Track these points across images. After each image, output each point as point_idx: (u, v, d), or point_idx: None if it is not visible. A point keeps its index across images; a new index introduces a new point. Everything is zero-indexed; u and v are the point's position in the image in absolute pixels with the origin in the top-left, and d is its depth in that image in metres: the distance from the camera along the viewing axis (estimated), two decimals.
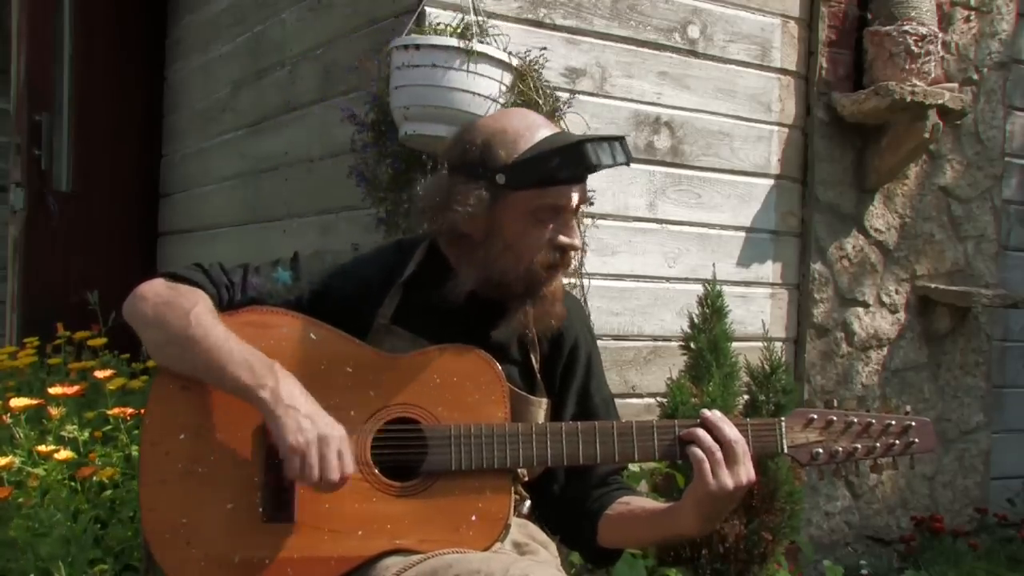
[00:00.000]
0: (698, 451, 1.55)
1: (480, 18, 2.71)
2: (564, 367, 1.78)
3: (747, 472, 1.56)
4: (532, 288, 1.65)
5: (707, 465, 1.54)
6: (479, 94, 2.55)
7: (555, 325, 1.70)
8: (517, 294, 1.66)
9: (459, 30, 2.58)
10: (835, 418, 1.62)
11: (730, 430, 1.56)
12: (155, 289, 1.63)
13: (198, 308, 1.59)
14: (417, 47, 2.56)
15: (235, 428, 1.59)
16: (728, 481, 1.54)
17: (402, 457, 1.59)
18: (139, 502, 1.61)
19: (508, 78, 2.64)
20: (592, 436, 1.60)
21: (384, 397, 1.61)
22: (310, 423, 1.50)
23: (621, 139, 1.65)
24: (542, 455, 1.59)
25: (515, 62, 2.65)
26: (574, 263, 2.02)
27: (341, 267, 1.75)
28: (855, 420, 1.62)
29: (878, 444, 1.61)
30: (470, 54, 2.52)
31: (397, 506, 1.57)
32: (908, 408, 1.66)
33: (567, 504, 1.74)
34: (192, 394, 1.60)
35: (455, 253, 1.70)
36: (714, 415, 1.59)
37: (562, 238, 1.64)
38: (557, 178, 1.61)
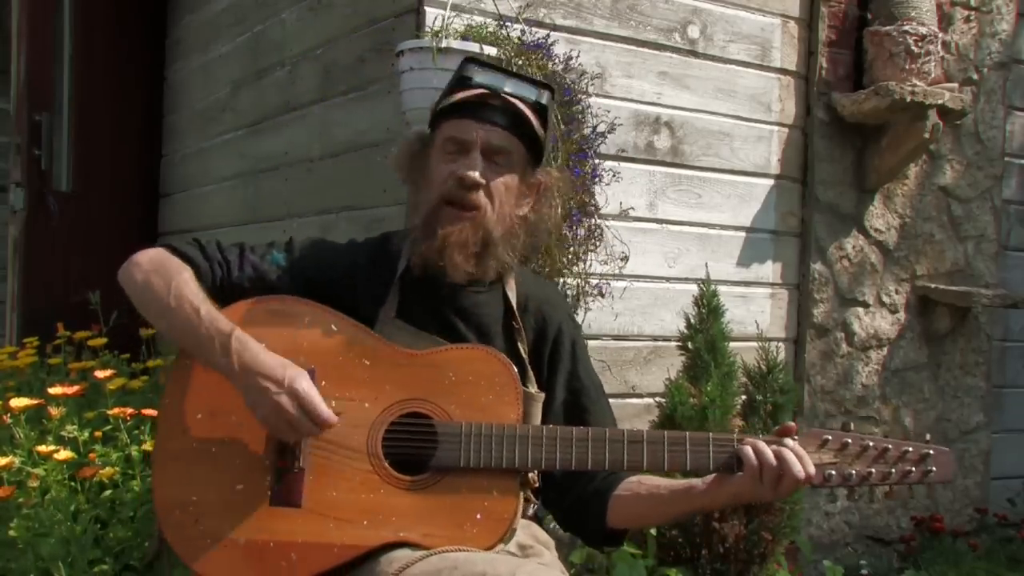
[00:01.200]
0: (762, 461, 1.56)
1: (487, 19, 2.71)
2: (551, 354, 1.80)
3: (784, 493, 1.59)
4: (430, 224, 1.71)
5: (765, 477, 1.56)
6: None
7: (453, 275, 1.71)
8: (422, 229, 1.72)
9: (437, 32, 2.58)
10: (850, 441, 1.59)
11: (798, 469, 1.56)
12: (149, 256, 1.71)
13: (180, 278, 1.66)
14: (401, 53, 2.61)
15: (248, 411, 1.61)
16: (770, 496, 1.58)
17: (413, 451, 1.60)
18: (152, 478, 1.64)
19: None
20: (603, 442, 1.60)
21: (399, 392, 1.63)
22: (262, 396, 1.56)
23: (543, 85, 1.75)
24: (551, 458, 1.60)
25: (492, 51, 2.63)
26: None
27: (332, 255, 1.81)
28: (871, 444, 1.59)
29: (894, 470, 1.58)
30: (439, 52, 2.53)
31: (404, 499, 1.58)
32: (928, 436, 1.64)
33: (574, 486, 1.74)
34: (210, 375, 1.64)
35: (412, 216, 1.80)
36: (797, 449, 1.58)
37: (461, 169, 1.69)
38: (451, 105, 1.71)
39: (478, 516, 1.57)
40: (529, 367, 1.76)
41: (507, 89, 1.71)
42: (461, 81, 1.73)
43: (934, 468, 1.59)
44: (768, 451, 1.56)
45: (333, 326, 1.67)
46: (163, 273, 1.66)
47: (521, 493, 1.63)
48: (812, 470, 1.57)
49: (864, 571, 3.47)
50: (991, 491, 3.94)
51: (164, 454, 1.63)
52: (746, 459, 1.56)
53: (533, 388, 1.74)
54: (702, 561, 2.61)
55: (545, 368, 1.79)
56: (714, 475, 1.62)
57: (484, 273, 1.75)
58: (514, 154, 1.73)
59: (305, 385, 1.57)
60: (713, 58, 3.31)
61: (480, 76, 1.72)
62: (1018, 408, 4.09)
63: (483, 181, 1.69)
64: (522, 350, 1.76)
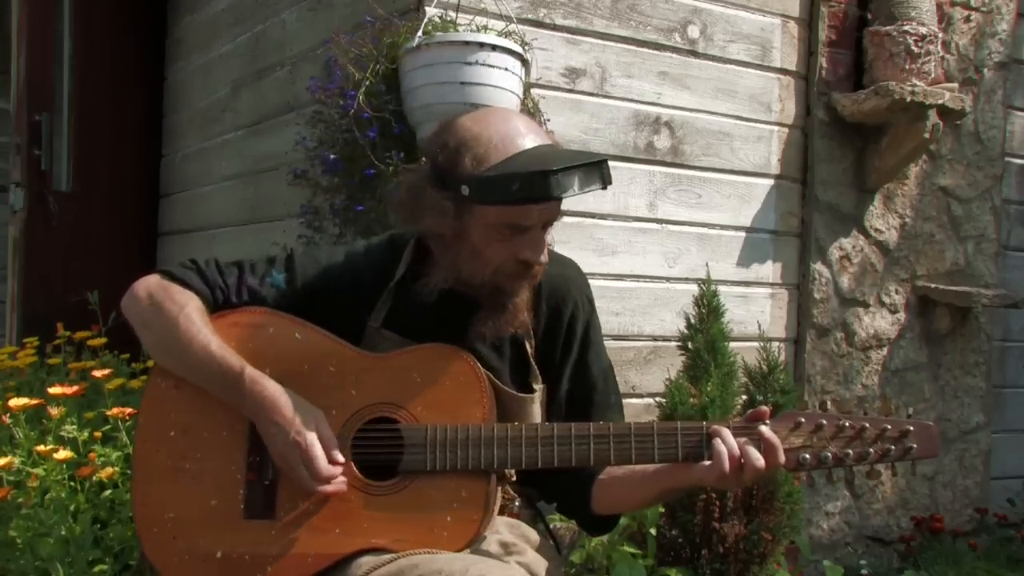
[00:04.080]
0: (723, 451, 1.55)
1: (486, 19, 2.71)
2: (563, 342, 1.77)
3: (748, 482, 1.58)
4: (497, 297, 1.65)
5: (726, 468, 1.55)
6: (501, 87, 2.55)
7: (519, 332, 1.70)
8: (484, 298, 1.66)
9: (475, 27, 2.58)
10: (825, 422, 1.55)
11: (758, 459, 1.55)
12: (149, 289, 1.67)
13: (186, 311, 1.63)
14: (429, 45, 2.55)
15: (222, 427, 1.63)
16: (733, 485, 1.58)
17: (381, 457, 1.60)
18: (131, 497, 1.66)
19: (524, 71, 2.65)
20: (568, 439, 1.59)
21: (365, 397, 1.63)
22: (278, 430, 1.57)
23: (601, 163, 1.58)
24: (516, 457, 1.59)
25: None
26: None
27: (334, 267, 1.75)
28: (847, 424, 1.54)
29: (872, 450, 1.54)
30: (491, 48, 2.52)
31: (374, 505, 1.59)
32: (910, 411, 1.58)
33: (559, 473, 1.72)
34: (184, 393, 1.65)
35: (435, 248, 1.71)
36: (771, 438, 1.57)
37: (526, 254, 1.62)
38: (519, 200, 1.56)
39: (448, 519, 1.58)
40: (535, 364, 1.74)
41: (594, 187, 1.59)
42: (539, 185, 1.53)
43: (915, 444, 1.53)
44: (735, 446, 1.55)
45: (297, 335, 1.66)
46: (166, 308, 1.64)
47: (496, 492, 1.63)
48: (781, 459, 1.55)
49: (864, 571, 3.47)
50: (991, 491, 3.94)
51: (141, 473, 1.65)
52: (716, 452, 1.55)
53: (536, 384, 1.73)
54: (702, 561, 2.61)
55: (557, 355, 1.77)
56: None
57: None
58: None
59: (309, 436, 1.57)
60: (713, 58, 3.31)
61: (569, 186, 1.55)
62: (1018, 408, 4.09)
63: (546, 259, 1.65)
64: (528, 346, 1.74)
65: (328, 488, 1.57)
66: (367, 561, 1.54)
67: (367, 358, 1.65)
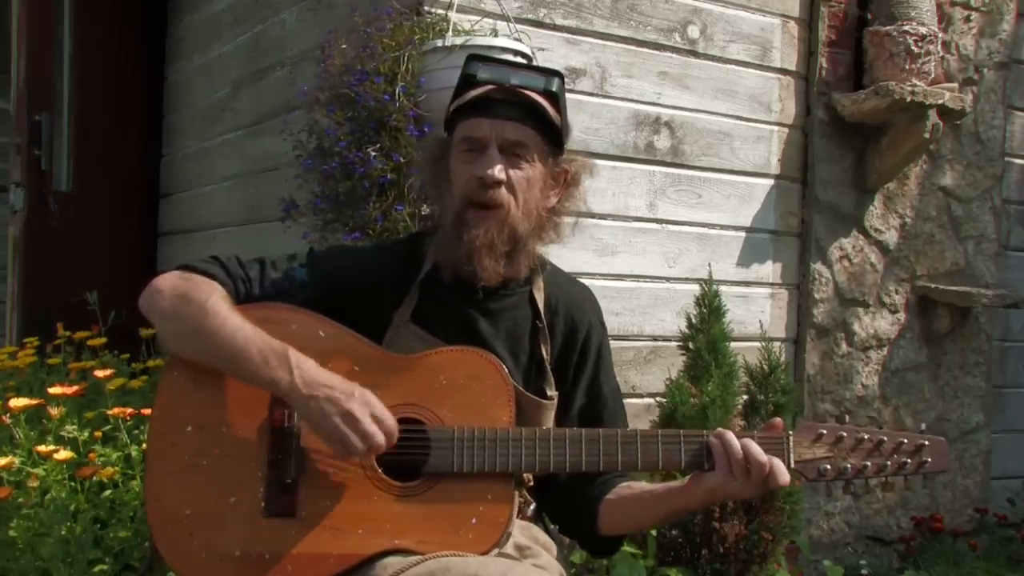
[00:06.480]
0: (723, 456, 1.55)
1: (492, 20, 2.72)
2: (577, 360, 1.78)
3: (759, 489, 1.56)
4: (457, 229, 1.68)
5: (729, 470, 1.54)
6: None
7: (486, 279, 1.69)
8: (450, 232, 1.70)
9: (494, 31, 2.58)
10: (845, 434, 1.59)
11: (759, 454, 1.54)
12: (171, 282, 1.64)
13: (213, 299, 1.59)
14: (450, 48, 2.54)
15: (241, 423, 1.60)
16: (746, 490, 1.56)
17: (406, 457, 1.59)
18: (144, 492, 1.63)
19: None
20: (596, 444, 1.59)
21: (390, 397, 1.60)
22: (332, 406, 1.51)
23: (531, 67, 1.74)
24: (544, 461, 1.59)
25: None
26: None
27: (357, 262, 1.76)
28: (866, 437, 1.59)
29: (889, 462, 1.58)
30: (516, 54, 2.53)
31: (398, 506, 1.57)
32: (923, 426, 1.64)
33: (569, 492, 1.74)
34: (200, 387, 1.62)
35: (439, 208, 1.79)
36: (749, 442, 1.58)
37: (476, 169, 1.67)
38: (461, 105, 1.70)
39: (473, 521, 1.56)
40: (550, 371, 1.74)
41: (514, 81, 1.68)
42: (467, 79, 1.70)
43: (929, 459, 1.58)
44: (735, 443, 1.54)
45: (321, 332, 1.64)
46: (191, 297, 1.60)
47: (516, 496, 1.62)
48: (777, 460, 1.54)
49: (864, 571, 3.47)
50: (991, 491, 3.94)
51: (155, 468, 1.61)
52: (715, 451, 1.55)
53: (551, 391, 1.73)
54: (702, 561, 2.61)
55: (571, 372, 1.78)
56: (691, 474, 1.61)
57: (517, 272, 1.72)
58: (531, 145, 1.69)
59: (369, 395, 1.54)
60: (713, 58, 3.31)
61: (485, 72, 1.69)
62: (1018, 408, 4.09)
63: (503, 178, 1.66)
64: (544, 352, 1.74)
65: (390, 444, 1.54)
66: (394, 562, 1.52)
67: (392, 358, 1.64)
